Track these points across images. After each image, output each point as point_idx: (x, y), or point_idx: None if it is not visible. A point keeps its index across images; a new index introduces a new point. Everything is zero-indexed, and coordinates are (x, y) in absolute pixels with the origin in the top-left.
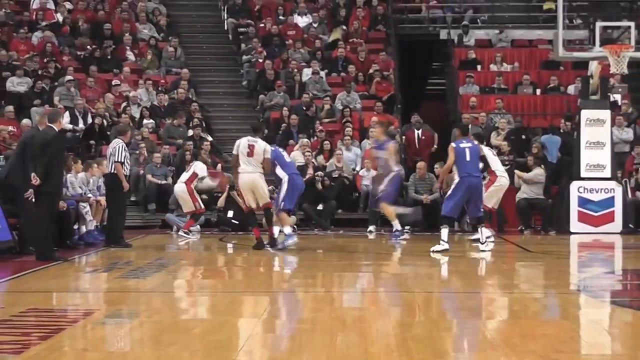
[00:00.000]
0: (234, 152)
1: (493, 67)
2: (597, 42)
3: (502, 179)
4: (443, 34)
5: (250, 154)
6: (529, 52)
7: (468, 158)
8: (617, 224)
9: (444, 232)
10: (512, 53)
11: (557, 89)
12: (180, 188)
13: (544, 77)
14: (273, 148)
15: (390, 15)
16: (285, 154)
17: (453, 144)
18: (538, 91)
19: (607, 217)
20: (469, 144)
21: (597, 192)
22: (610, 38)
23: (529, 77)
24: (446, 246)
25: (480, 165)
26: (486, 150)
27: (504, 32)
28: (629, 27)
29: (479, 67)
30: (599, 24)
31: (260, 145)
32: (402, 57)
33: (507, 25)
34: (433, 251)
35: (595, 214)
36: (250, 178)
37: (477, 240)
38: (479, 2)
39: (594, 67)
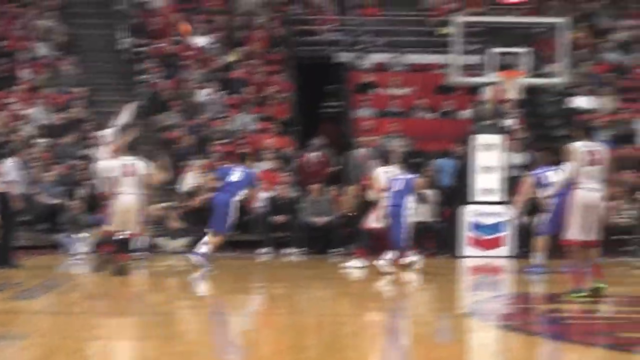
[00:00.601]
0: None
1: (389, 91)
2: (492, 68)
3: None
4: (340, 57)
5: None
6: (424, 76)
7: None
8: (508, 248)
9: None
10: (408, 77)
11: (451, 113)
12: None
13: (439, 101)
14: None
15: (289, 37)
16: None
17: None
18: (433, 115)
19: (498, 241)
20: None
21: (488, 216)
22: (505, 64)
23: (424, 101)
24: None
25: None
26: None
27: (400, 56)
28: (523, 53)
29: (374, 91)
30: (494, 50)
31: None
32: (300, 79)
33: (404, 49)
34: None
35: (486, 238)
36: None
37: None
38: (376, 25)
39: (488, 93)
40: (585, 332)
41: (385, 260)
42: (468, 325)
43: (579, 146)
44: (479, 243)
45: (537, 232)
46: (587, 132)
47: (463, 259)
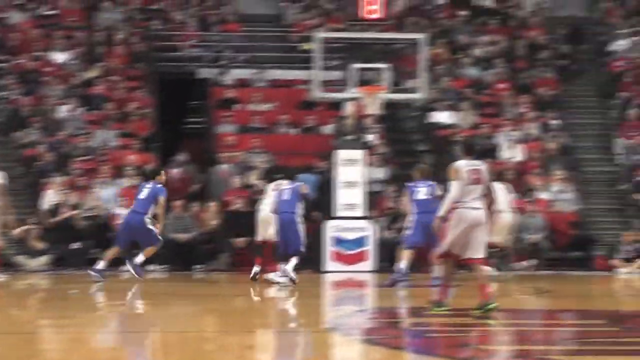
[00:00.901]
0: None
1: (251, 107)
2: (353, 84)
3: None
4: (202, 73)
5: None
6: (286, 92)
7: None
8: (370, 263)
9: None
10: (270, 93)
11: (314, 129)
12: None
13: (301, 116)
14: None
15: (150, 53)
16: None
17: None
18: (295, 130)
19: (360, 255)
20: (289, 185)
21: (350, 231)
22: (366, 80)
23: (286, 117)
24: None
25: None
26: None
27: (262, 72)
28: (383, 68)
29: (237, 106)
30: (355, 66)
31: None
32: (162, 95)
33: (266, 65)
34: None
35: (349, 253)
36: None
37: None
38: (238, 41)
39: (349, 108)
40: (447, 346)
41: (280, 271)
42: (331, 340)
43: (463, 165)
44: (342, 258)
45: (402, 245)
46: (470, 151)
47: (326, 274)
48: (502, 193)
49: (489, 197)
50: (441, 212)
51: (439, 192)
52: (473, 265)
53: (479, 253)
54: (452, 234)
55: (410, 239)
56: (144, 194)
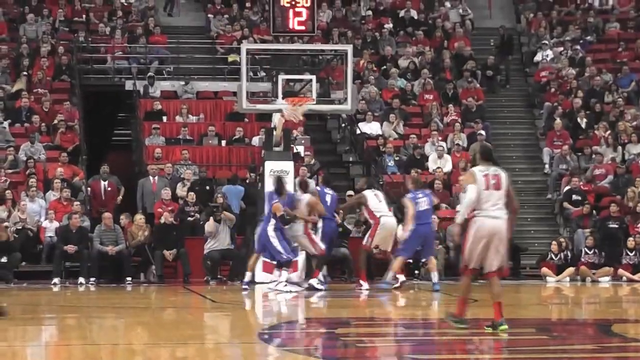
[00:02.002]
0: None
1: (179, 119)
2: (280, 95)
3: (384, 220)
4: (129, 85)
5: None
6: (214, 103)
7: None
8: (302, 272)
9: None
10: (198, 104)
11: (242, 140)
12: None
13: (229, 128)
14: None
15: (75, 65)
16: None
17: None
18: (223, 142)
19: (294, 265)
20: None
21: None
22: (293, 91)
23: (214, 129)
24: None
25: None
26: (369, 194)
27: (189, 84)
28: (310, 80)
29: (164, 118)
30: (282, 77)
31: None
32: (88, 107)
33: (193, 77)
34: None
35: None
36: None
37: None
38: (165, 53)
39: (277, 119)
40: (374, 356)
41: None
42: (261, 351)
43: (480, 170)
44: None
45: (396, 253)
46: (488, 156)
47: (256, 285)
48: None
49: (511, 205)
50: (459, 218)
51: (435, 201)
52: (489, 280)
53: (496, 266)
54: (469, 247)
55: (406, 248)
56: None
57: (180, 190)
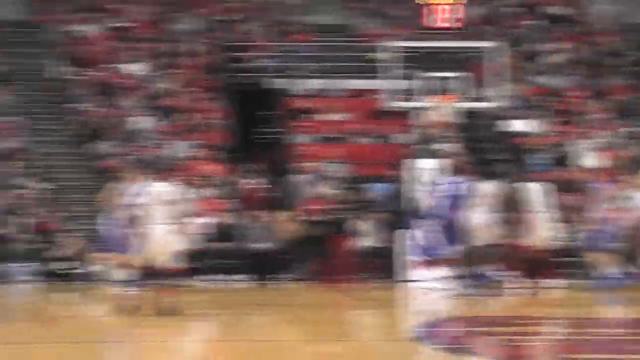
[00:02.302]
0: None
1: (324, 116)
2: (427, 92)
3: None
4: (275, 83)
5: None
6: (359, 101)
7: None
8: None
9: None
10: (343, 102)
11: (387, 138)
12: None
13: (374, 126)
14: None
15: (224, 64)
16: None
17: None
18: (369, 140)
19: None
20: None
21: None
22: (440, 89)
23: (360, 127)
24: None
25: None
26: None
27: (335, 82)
28: (458, 77)
29: (310, 116)
30: (428, 74)
31: None
32: (236, 105)
33: (338, 74)
34: None
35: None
36: None
37: None
38: (309, 51)
39: (424, 117)
40: (537, 355)
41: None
42: (416, 349)
43: None
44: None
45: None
46: None
47: (408, 283)
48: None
49: None
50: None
51: None
52: None
53: None
54: None
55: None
56: None
57: (329, 188)
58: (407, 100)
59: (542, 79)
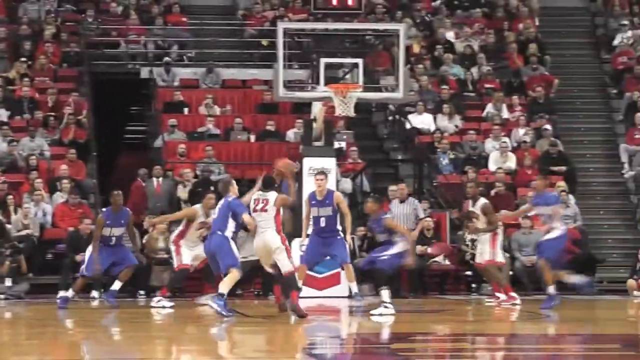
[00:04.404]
0: None
1: (202, 110)
2: (322, 82)
3: None
4: (144, 73)
5: None
6: (242, 93)
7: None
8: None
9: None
10: (224, 94)
11: (275, 135)
12: None
13: (260, 121)
14: None
15: (84, 50)
16: None
17: None
18: (253, 137)
19: (333, 279)
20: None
21: None
22: (336, 77)
23: (242, 122)
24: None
25: None
26: None
27: (213, 71)
28: (357, 64)
29: (185, 110)
30: (324, 61)
31: None
32: (98, 98)
33: (218, 63)
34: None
35: (319, 276)
36: None
37: None
38: (185, 36)
39: (317, 110)
40: None
41: None
42: None
43: None
44: (312, 282)
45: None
46: None
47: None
48: None
49: None
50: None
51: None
52: None
53: None
54: None
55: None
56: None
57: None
58: (299, 90)
59: (450, 69)
